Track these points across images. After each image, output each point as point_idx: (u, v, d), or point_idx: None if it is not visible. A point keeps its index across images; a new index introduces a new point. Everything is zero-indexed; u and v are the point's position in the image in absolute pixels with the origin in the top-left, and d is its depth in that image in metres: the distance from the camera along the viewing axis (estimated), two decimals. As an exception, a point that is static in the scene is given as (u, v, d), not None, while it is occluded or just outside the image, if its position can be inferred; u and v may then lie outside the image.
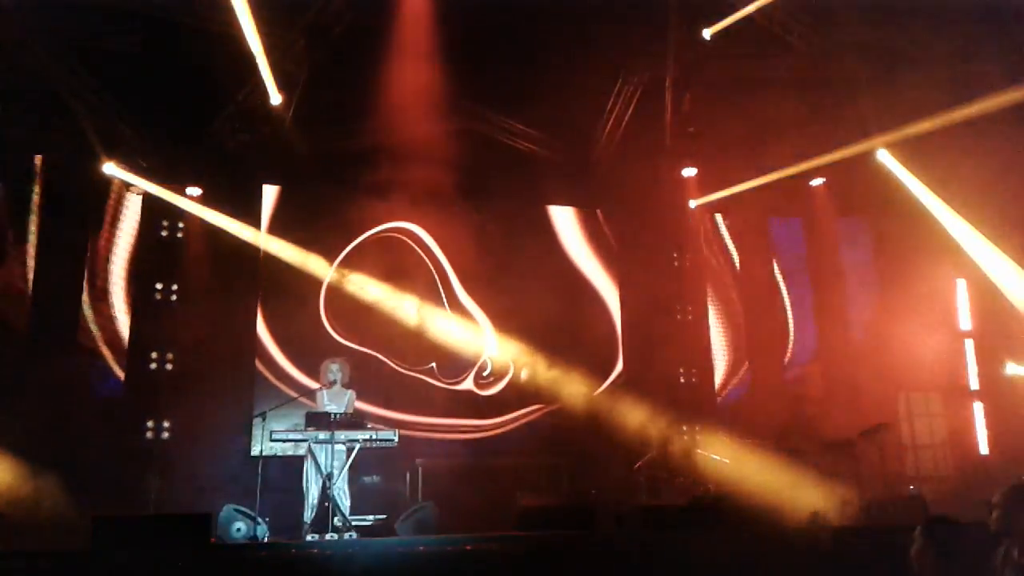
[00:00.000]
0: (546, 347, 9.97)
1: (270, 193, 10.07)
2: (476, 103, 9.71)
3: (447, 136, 9.01)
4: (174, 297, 9.36)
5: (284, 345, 9.60)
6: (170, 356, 9.21)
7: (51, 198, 9.19)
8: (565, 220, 10.99)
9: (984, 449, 10.85)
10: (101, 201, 9.46)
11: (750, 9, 8.30)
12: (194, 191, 9.54)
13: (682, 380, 10.53)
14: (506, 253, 10.13)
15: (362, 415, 7.83)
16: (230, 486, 8.09)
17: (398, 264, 10.04)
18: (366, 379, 8.97)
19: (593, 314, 10.72)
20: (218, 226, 9.49)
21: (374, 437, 7.31)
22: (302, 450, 7.68)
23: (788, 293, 11.36)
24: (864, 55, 9.01)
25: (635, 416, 9.27)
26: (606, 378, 10.48)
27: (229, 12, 7.63)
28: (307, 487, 7.38)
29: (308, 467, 7.42)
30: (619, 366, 10.63)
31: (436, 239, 10.31)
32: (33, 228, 9.17)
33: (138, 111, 8.95)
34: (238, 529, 6.74)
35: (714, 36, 8.68)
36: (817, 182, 10.94)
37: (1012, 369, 10.42)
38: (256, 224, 9.84)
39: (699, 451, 8.85)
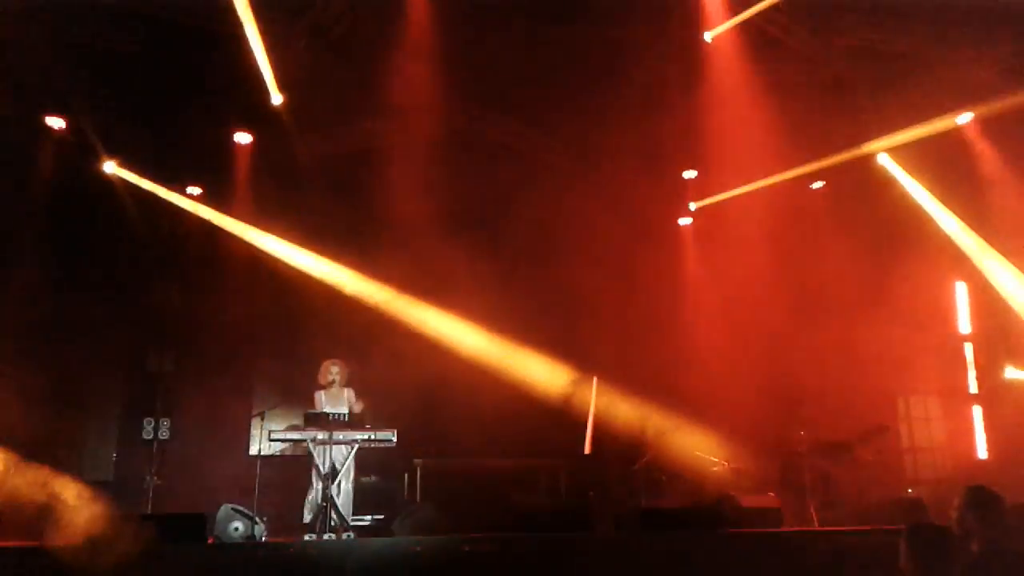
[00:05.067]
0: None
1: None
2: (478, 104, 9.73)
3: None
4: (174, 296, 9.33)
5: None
6: (170, 355, 9.21)
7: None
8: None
9: (983, 453, 10.83)
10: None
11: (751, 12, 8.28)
12: (194, 190, 9.53)
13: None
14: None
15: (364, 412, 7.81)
16: (228, 485, 8.07)
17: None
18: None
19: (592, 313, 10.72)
20: (218, 225, 9.46)
21: (372, 437, 7.30)
22: (300, 450, 7.66)
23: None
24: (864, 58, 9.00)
25: (631, 416, 9.21)
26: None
27: (231, 12, 7.62)
28: (310, 488, 7.39)
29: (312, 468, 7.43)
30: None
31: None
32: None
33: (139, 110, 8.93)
34: (236, 528, 6.72)
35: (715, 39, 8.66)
36: (817, 185, 10.93)
37: (1012, 373, 10.35)
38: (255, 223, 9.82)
39: (697, 453, 8.82)
